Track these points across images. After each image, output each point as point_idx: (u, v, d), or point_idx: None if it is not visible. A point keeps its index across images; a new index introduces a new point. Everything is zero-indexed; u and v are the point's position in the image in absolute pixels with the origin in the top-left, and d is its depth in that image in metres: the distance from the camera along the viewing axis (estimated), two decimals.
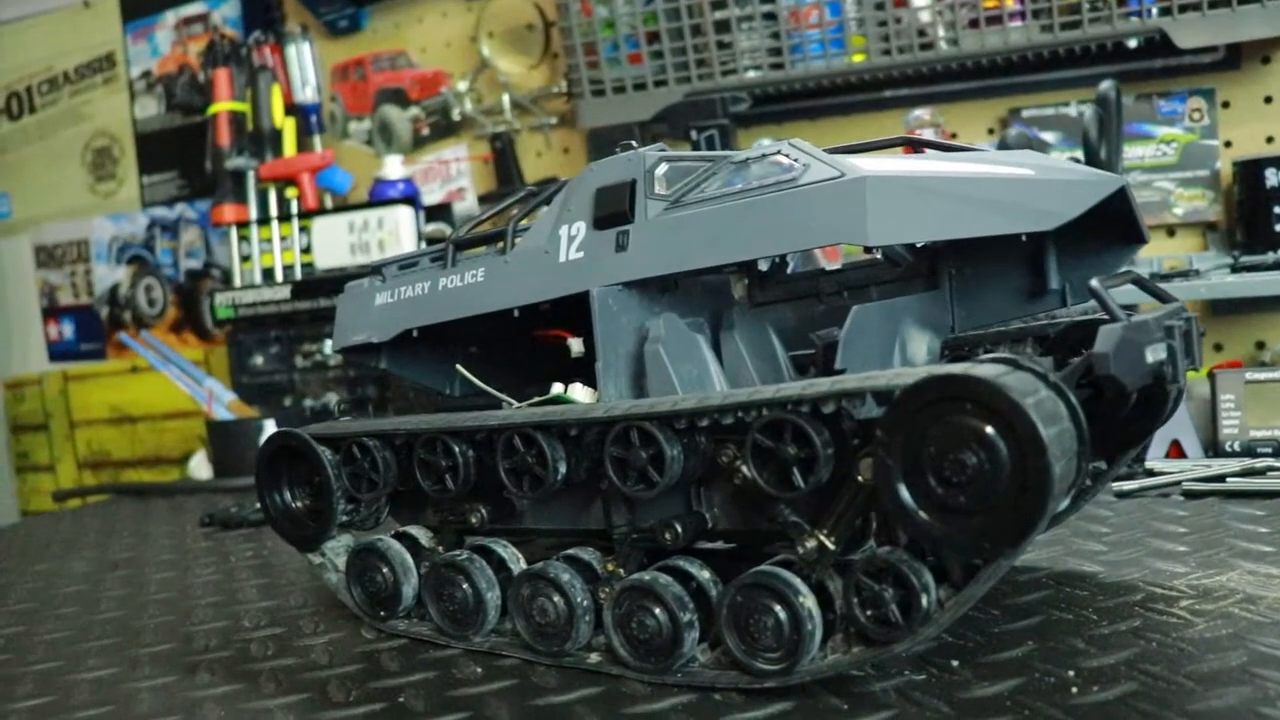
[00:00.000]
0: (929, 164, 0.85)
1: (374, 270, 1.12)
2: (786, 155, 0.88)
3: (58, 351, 2.99)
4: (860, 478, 0.73)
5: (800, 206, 0.83)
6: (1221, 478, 1.23)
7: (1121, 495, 1.25)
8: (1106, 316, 0.74)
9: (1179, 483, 1.24)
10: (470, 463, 0.94)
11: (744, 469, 0.77)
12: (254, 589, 1.23)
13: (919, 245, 1.02)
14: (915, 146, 0.96)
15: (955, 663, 0.80)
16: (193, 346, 2.71)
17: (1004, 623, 0.88)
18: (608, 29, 1.86)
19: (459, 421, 0.93)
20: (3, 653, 1.08)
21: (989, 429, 0.64)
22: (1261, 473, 1.23)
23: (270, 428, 1.85)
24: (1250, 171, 1.57)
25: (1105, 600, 0.91)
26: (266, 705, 0.85)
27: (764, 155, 0.89)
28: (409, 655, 0.94)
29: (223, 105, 2.22)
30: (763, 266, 1.09)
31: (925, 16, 1.66)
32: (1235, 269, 1.45)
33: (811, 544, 0.76)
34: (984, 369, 0.66)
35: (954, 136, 1.83)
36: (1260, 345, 1.67)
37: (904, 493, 0.68)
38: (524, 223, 1.04)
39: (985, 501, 0.65)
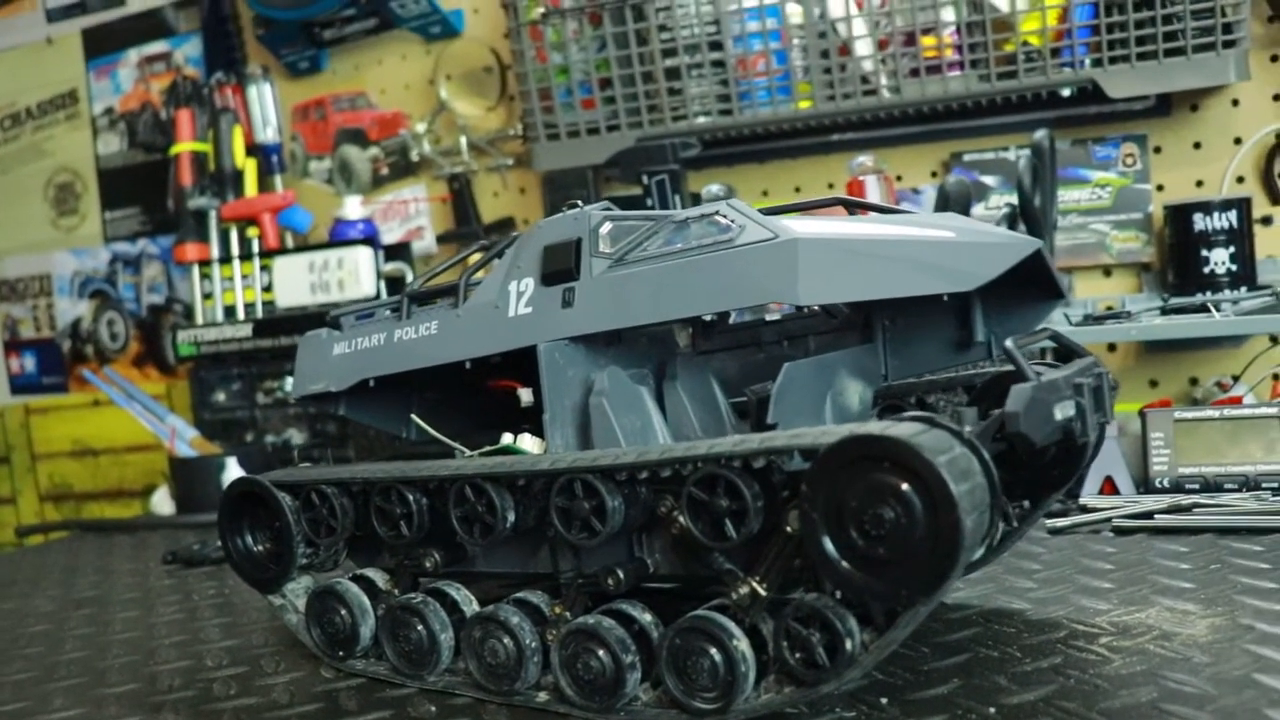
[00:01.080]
0: (858, 226, 0.91)
1: (331, 321, 1.16)
2: (724, 216, 0.93)
3: (19, 384, 2.99)
4: (789, 528, 0.77)
5: (736, 266, 0.88)
6: (1150, 514, 1.29)
7: (1054, 532, 1.30)
8: (1019, 375, 0.79)
9: (1109, 520, 1.30)
10: (424, 510, 0.98)
11: (680, 519, 0.81)
12: (217, 628, 1.26)
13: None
14: (849, 207, 1.02)
15: (884, 700, 0.84)
16: (155, 381, 2.73)
17: (932, 660, 0.92)
18: (562, 75, 1.91)
19: (413, 471, 0.97)
20: None
21: (904, 485, 0.69)
22: (1188, 509, 1.28)
23: (232, 464, 1.88)
24: (1179, 215, 1.63)
25: (1030, 637, 0.96)
26: None
27: (703, 215, 0.94)
28: (366, 694, 0.98)
29: (185, 146, 2.24)
30: (707, 317, 1.14)
31: (868, 65, 1.72)
32: (1165, 310, 1.51)
33: (744, 590, 0.80)
34: (900, 429, 0.71)
35: (899, 179, 1.89)
36: (1194, 382, 1.74)
37: (827, 544, 0.73)
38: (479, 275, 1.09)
39: (902, 553, 0.70)
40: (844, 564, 0.72)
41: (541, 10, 1.89)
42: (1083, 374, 0.83)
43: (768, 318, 1.16)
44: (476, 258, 1.13)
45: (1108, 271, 1.78)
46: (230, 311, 2.17)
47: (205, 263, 2.20)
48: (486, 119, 2.21)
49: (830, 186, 1.92)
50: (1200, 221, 1.60)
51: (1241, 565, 1.12)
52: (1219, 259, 1.59)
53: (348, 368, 1.12)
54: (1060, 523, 1.31)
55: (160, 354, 2.71)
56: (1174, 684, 0.82)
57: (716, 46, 1.80)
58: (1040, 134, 1.52)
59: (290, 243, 2.25)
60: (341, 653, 1.04)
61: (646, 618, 0.86)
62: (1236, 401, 1.52)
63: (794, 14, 1.74)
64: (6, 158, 2.92)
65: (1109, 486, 1.44)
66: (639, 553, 0.90)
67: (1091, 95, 1.66)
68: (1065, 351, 0.94)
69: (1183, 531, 1.25)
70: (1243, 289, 1.60)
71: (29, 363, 2.96)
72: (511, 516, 0.91)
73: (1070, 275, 1.78)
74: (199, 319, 2.20)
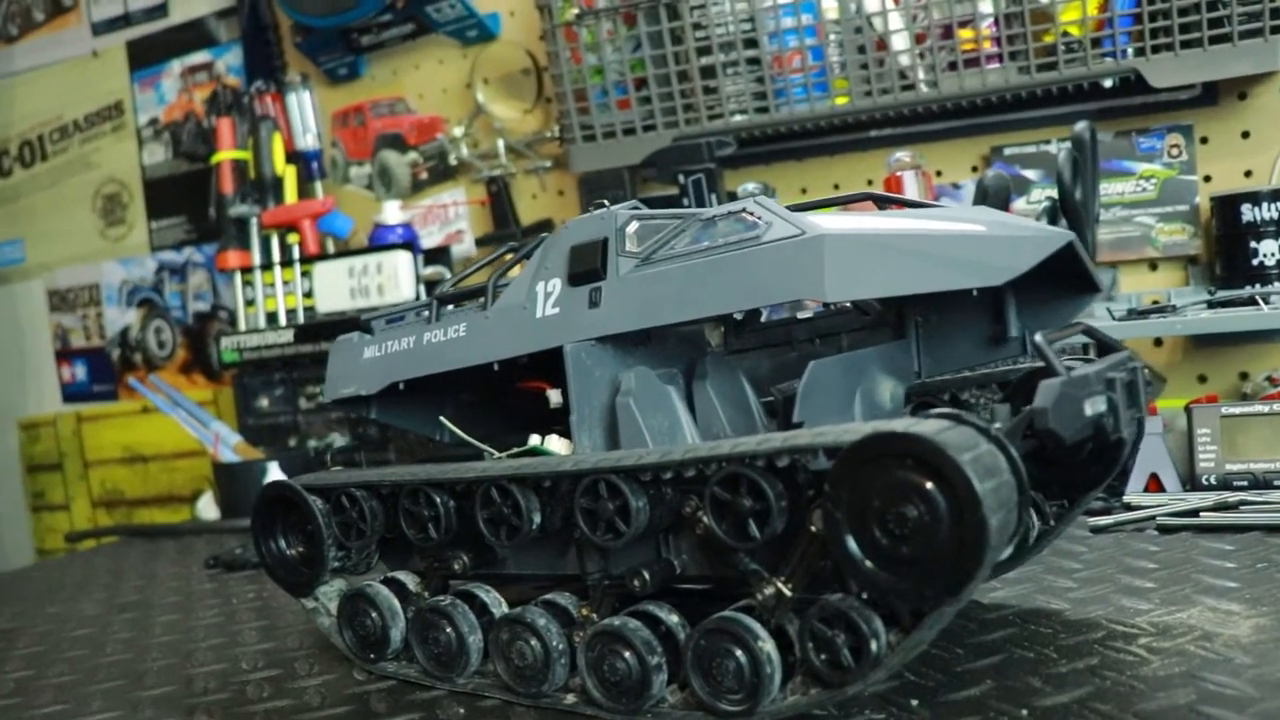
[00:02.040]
0: (886, 221, 0.89)
1: (363, 324, 1.16)
2: (750, 213, 0.92)
3: (71, 393, 3.04)
4: (813, 528, 0.76)
5: (762, 264, 0.87)
6: (1195, 512, 1.26)
7: (1097, 531, 1.28)
8: (1049, 370, 0.77)
9: (1153, 517, 1.27)
10: (451, 512, 0.97)
11: (704, 519, 0.80)
12: (254, 631, 1.27)
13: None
14: (879, 202, 1.00)
15: (915, 702, 0.83)
16: (201, 387, 2.76)
17: (966, 661, 0.91)
18: (597, 75, 1.91)
19: (440, 473, 0.97)
20: (13, 696, 1.12)
21: (928, 484, 0.68)
22: (1234, 506, 1.25)
23: (274, 469, 1.90)
24: (1227, 206, 1.60)
25: (1067, 638, 0.94)
26: None
27: (729, 213, 0.93)
28: (397, 696, 0.98)
29: (226, 154, 2.27)
30: (737, 316, 1.13)
31: (905, 60, 1.70)
32: (1211, 304, 1.48)
33: (769, 591, 0.79)
34: (925, 426, 0.69)
35: (939, 174, 1.87)
36: (1244, 376, 1.69)
37: (851, 544, 0.71)
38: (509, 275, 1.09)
39: (926, 552, 0.68)
40: (868, 564, 0.71)
41: (576, 11, 1.89)
42: (1116, 369, 0.81)
43: (800, 315, 1.15)
44: (506, 260, 1.13)
45: (1154, 265, 1.74)
46: (272, 318, 2.20)
47: (247, 270, 2.22)
48: (524, 121, 2.22)
49: (869, 183, 1.90)
50: (1249, 212, 1.57)
51: None
52: (1268, 250, 1.55)
53: (378, 371, 1.12)
54: (1103, 521, 1.28)
55: (206, 361, 2.75)
56: (1214, 686, 0.80)
57: (751, 44, 1.78)
58: (1080, 126, 1.48)
59: (331, 248, 2.27)
60: (373, 655, 1.04)
61: (673, 619, 0.85)
62: None
63: (829, 9, 1.73)
64: (56, 170, 2.97)
65: (1154, 484, 1.41)
66: (666, 554, 0.89)
67: (1135, 85, 1.63)
68: (1102, 346, 0.92)
69: (1229, 530, 1.22)
70: None
71: (80, 371, 3.01)
72: (537, 518, 0.91)
73: (1115, 269, 1.75)
74: (241, 325, 2.23)
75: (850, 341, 1.07)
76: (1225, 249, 1.60)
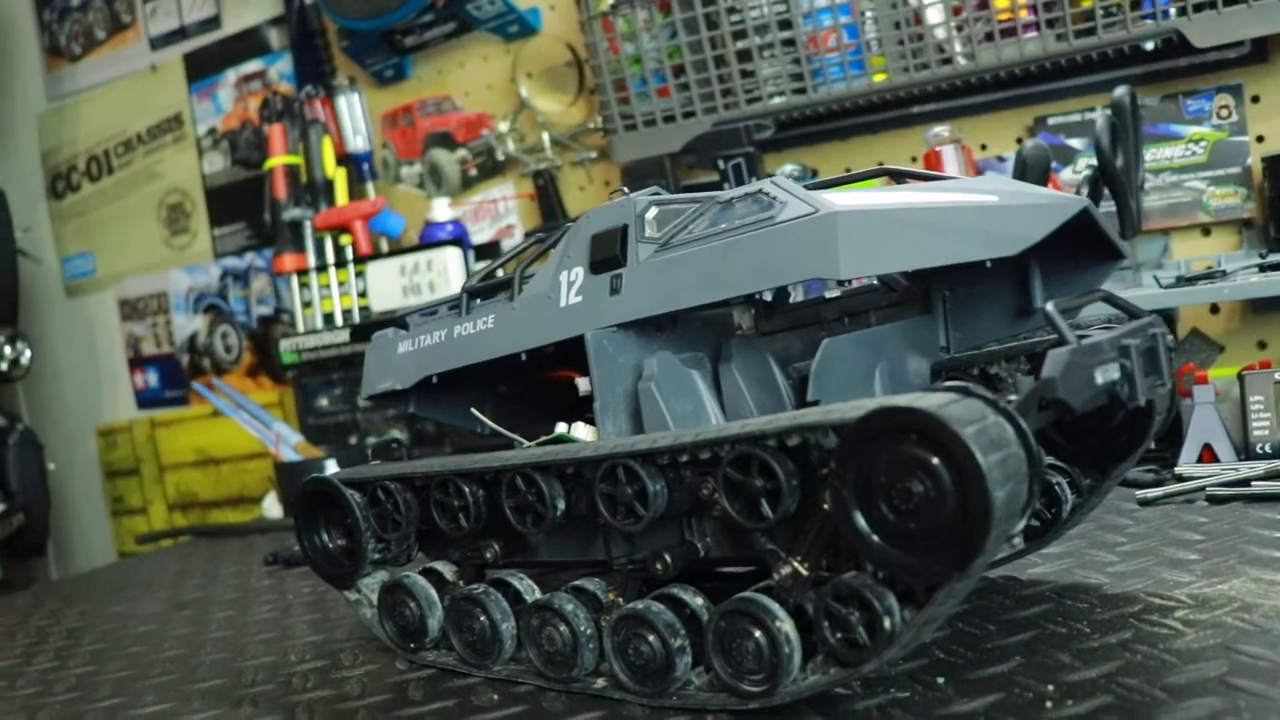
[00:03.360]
0: (900, 196, 0.88)
1: (398, 320, 1.18)
2: (767, 194, 0.92)
3: (144, 399, 3.13)
4: (826, 506, 0.76)
5: (777, 244, 0.87)
6: (1246, 481, 1.23)
7: (1145, 503, 1.25)
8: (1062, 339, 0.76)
9: (1203, 488, 1.24)
10: (480, 501, 0.99)
11: (720, 501, 0.81)
12: (305, 624, 1.30)
13: (911, 270, 1.05)
14: (895, 177, 0.99)
15: (941, 679, 0.82)
16: (268, 390, 2.82)
17: (997, 638, 0.90)
18: (635, 65, 1.91)
19: (467, 464, 0.98)
20: (74, 690, 1.16)
21: (932, 458, 0.67)
22: None
23: (331, 466, 1.93)
24: (1278, 166, 1.55)
25: (1102, 613, 0.92)
26: None
27: (747, 194, 0.93)
28: (435, 684, 1.00)
29: (278, 159, 2.32)
30: (766, 297, 1.13)
31: (941, 33, 1.68)
32: (1263, 268, 1.44)
33: (786, 570, 0.79)
34: (929, 399, 0.69)
35: (983, 148, 1.84)
36: None
37: (859, 520, 0.71)
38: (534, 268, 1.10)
39: (933, 527, 0.68)
40: (876, 540, 0.71)
41: (612, 1, 1.89)
42: (1133, 335, 0.79)
43: (827, 295, 1.14)
44: (532, 251, 1.14)
45: (1206, 230, 1.70)
46: (329, 318, 2.24)
47: (303, 272, 2.26)
48: (567, 114, 2.23)
49: (914, 160, 1.88)
50: None
51: None
52: None
53: (412, 365, 1.14)
54: (1151, 494, 1.26)
55: (271, 363, 2.80)
56: (1248, 658, 0.78)
57: (786, 25, 1.77)
58: (1120, 91, 1.44)
59: (385, 248, 2.30)
60: (413, 645, 1.06)
61: (698, 601, 0.85)
62: None
63: None
64: (121, 183, 3.05)
65: (1208, 454, 1.37)
66: (689, 536, 0.90)
67: (1180, 47, 1.59)
68: (1129, 313, 0.90)
69: None
70: None
71: (152, 378, 3.10)
72: (561, 504, 0.92)
73: (1167, 236, 1.71)
74: (299, 327, 2.27)
75: (879, 319, 1.06)
76: (1278, 211, 1.56)
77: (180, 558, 1.94)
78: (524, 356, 1.04)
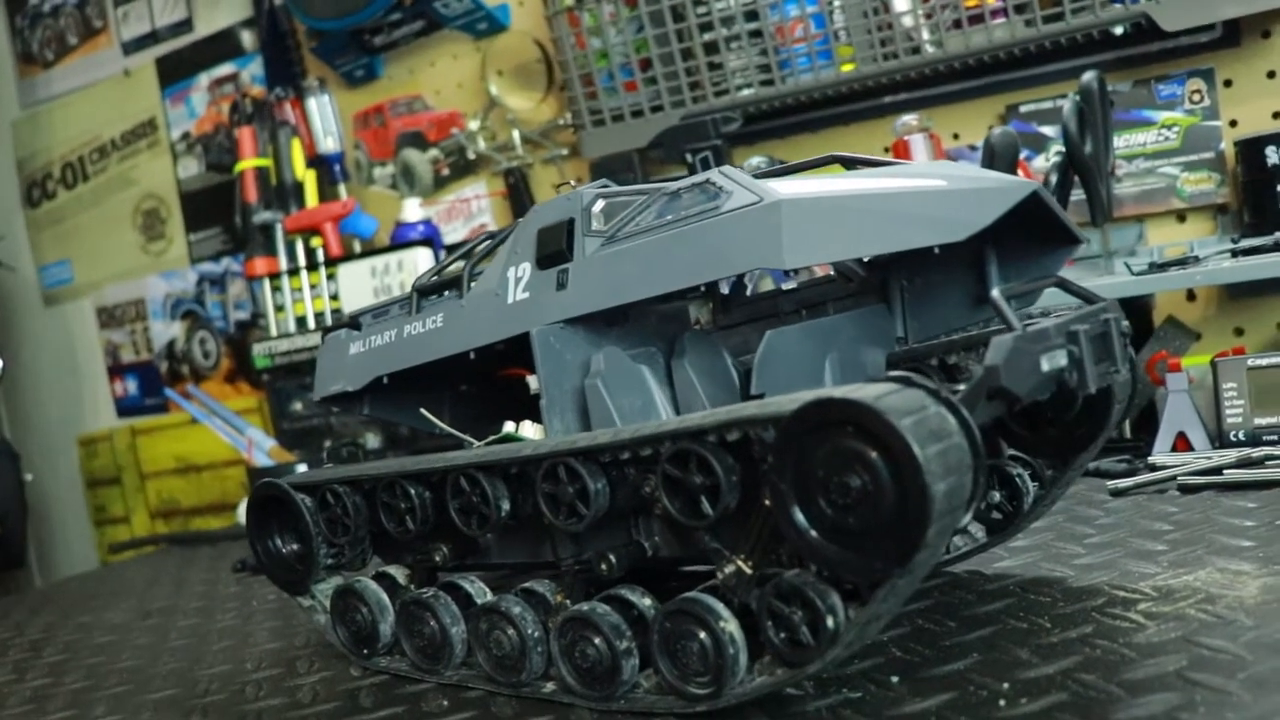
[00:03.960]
0: (847, 183, 0.86)
1: (351, 321, 1.16)
2: (714, 183, 0.89)
3: (124, 407, 3.10)
4: (767, 502, 0.74)
5: (722, 234, 0.85)
6: (1218, 470, 1.21)
7: (1116, 494, 1.23)
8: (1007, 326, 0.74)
9: (1174, 478, 1.22)
10: (427, 503, 0.97)
11: (660, 498, 0.78)
12: (266, 631, 1.27)
13: (866, 260, 1.03)
14: (845, 164, 0.97)
15: (895, 678, 0.80)
16: (247, 395, 2.79)
17: (956, 634, 0.88)
18: (602, 59, 1.89)
19: (412, 465, 0.96)
20: (29, 703, 1.14)
21: (869, 451, 0.65)
22: (1259, 462, 1.20)
23: (301, 471, 1.91)
24: (1251, 150, 1.53)
25: (1065, 607, 0.90)
26: None
27: (694, 185, 0.91)
28: (386, 691, 0.97)
29: (248, 162, 2.29)
30: (723, 289, 1.10)
31: (908, 21, 1.66)
32: (1235, 253, 1.42)
33: (730, 569, 0.77)
34: (866, 390, 0.66)
35: (956, 137, 1.82)
36: None
37: (798, 516, 0.69)
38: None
39: (872, 522, 0.66)
40: (815, 536, 0.68)
41: None
42: (1083, 320, 0.77)
43: (785, 287, 1.12)
44: (485, 248, 1.12)
45: (1182, 217, 1.67)
46: (301, 322, 2.21)
47: (275, 275, 2.24)
48: (537, 111, 2.20)
49: (886, 150, 1.85)
50: (1274, 155, 1.50)
51: None
52: None
53: (363, 366, 1.12)
54: (1123, 484, 1.24)
55: (250, 369, 2.77)
56: (1208, 651, 0.76)
57: (753, 16, 1.75)
58: (1088, 77, 1.44)
59: (358, 250, 2.28)
60: (366, 650, 1.04)
61: (645, 602, 0.83)
62: None
63: None
64: (97, 190, 3.03)
65: (1182, 443, 1.35)
66: (637, 536, 0.88)
67: (1150, 31, 1.57)
68: (1084, 299, 0.88)
69: (1253, 487, 1.17)
70: None
71: (131, 385, 3.07)
72: (506, 505, 0.90)
73: (1142, 223, 1.69)
74: (273, 331, 2.25)
75: (836, 310, 1.04)
76: (1252, 195, 1.54)
77: (152, 566, 1.92)
78: (473, 355, 1.02)
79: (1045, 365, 0.72)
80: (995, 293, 0.75)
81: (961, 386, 0.73)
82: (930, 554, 0.66)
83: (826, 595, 0.70)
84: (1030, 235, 0.92)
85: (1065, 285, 0.86)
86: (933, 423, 0.65)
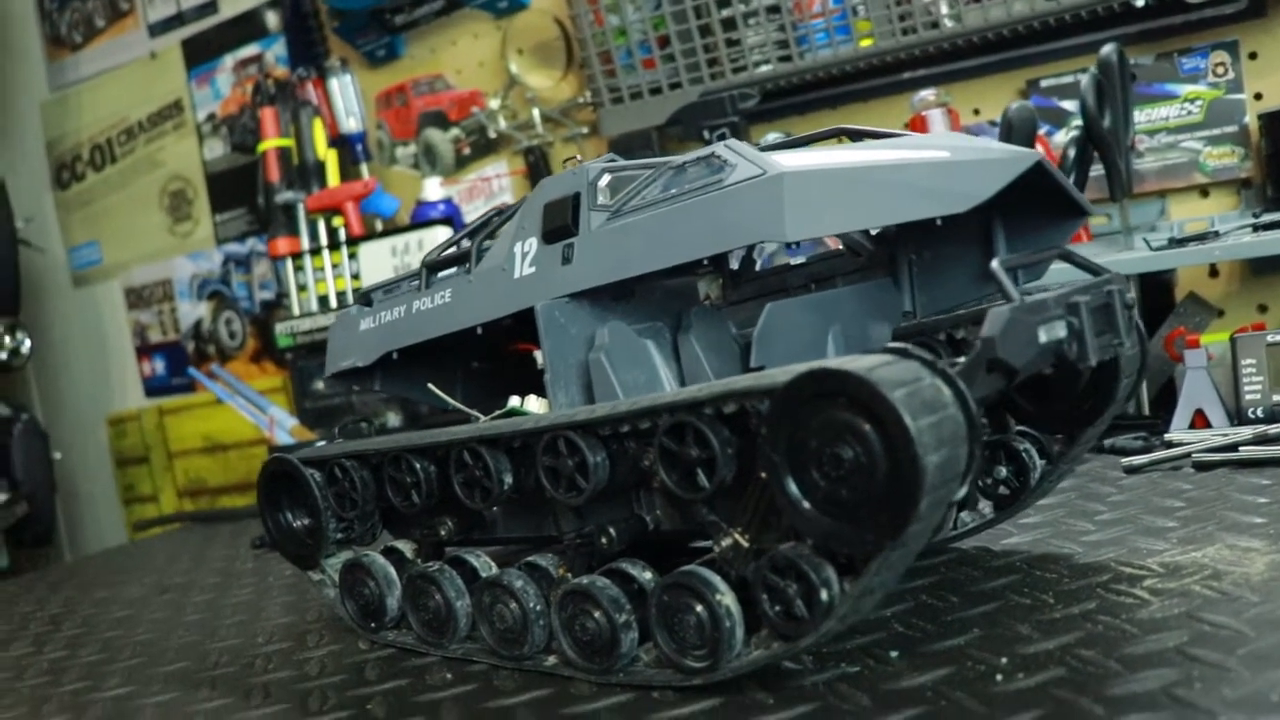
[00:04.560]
0: (850, 155, 0.86)
1: (362, 297, 1.16)
2: (719, 157, 0.89)
3: (152, 387, 3.13)
4: (763, 474, 0.73)
5: (725, 207, 0.84)
6: (1234, 447, 1.19)
7: (1131, 470, 1.22)
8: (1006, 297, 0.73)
9: (1189, 455, 1.21)
10: (432, 478, 0.97)
11: (658, 471, 0.78)
12: (279, 606, 1.29)
13: (874, 233, 1.02)
14: (851, 136, 0.96)
15: (894, 653, 0.80)
16: (271, 375, 2.81)
17: (959, 610, 0.87)
18: (620, 37, 1.88)
19: (418, 439, 0.97)
20: (45, 675, 1.16)
21: (862, 423, 0.65)
22: (1275, 439, 1.18)
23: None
24: (1275, 124, 1.50)
25: (1070, 583, 0.90)
26: (248, 716, 0.90)
27: (699, 158, 0.90)
28: (392, 664, 0.98)
29: (270, 143, 2.30)
30: (733, 265, 1.10)
31: None
32: (1256, 228, 1.39)
33: (727, 542, 0.77)
34: (860, 362, 0.66)
35: (976, 112, 1.80)
36: None
37: (791, 487, 0.69)
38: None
39: (864, 494, 0.65)
40: (808, 507, 0.68)
41: None
42: (1084, 292, 0.76)
43: (792, 261, 1.11)
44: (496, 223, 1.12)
45: (1205, 191, 1.65)
46: (324, 301, 2.22)
47: (297, 255, 2.25)
48: (557, 89, 2.20)
49: (905, 126, 1.84)
50: None
51: None
52: None
53: (373, 342, 1.12)
54: (1137, 460, 1.22)
55: (274, 348, 2.79)
56: (1209, 627, 0.75)
57: None
58: (1107, 50, 1.42)
59: (380, 229, 2.29)
60: (373, 624, 1.05)
61: (646, 576, 0.83)
62: None
63: None
64: (125, 171, 3.05)
65: (1200, 420, 1.34)
66: (638, 509, 0.88)
67: (1174, 3, 1.54)
68: (1089, 270, 0.87)
69: (1269, 464, 1.15)
70: None
71: (159, 365, 3.10)
72: (509, 479, 0.90)
73: (1164, 198, 1.66)
74: (295, 310, 2.26)
75: (846, 284, 1.04)
76: (1275, 169, 1.51)
77: (173, 544, 1.94)
78: (480, 330, 1.02)
79: (1043, 337, 0.72)
80: (995, 264, 0.74)
81: (963, 359, 0.73)
82: (924, 526, 0.66)
83: (821, 568, 0.70)
84: (1039, 207, 0.91)
85: (1069, 257, 0.85)
86: (926, 394, 0.65)
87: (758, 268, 1.11)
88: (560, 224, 0.96)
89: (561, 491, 0.84)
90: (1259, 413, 1.28)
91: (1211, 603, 0.80)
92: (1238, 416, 1.30)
